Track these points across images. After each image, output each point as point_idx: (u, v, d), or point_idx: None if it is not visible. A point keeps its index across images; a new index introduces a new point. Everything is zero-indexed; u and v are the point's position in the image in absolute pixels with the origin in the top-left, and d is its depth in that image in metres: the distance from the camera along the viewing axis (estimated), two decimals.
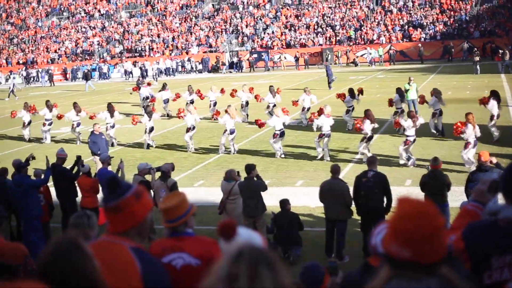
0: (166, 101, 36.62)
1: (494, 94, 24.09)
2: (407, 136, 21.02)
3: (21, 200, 14.59)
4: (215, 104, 34.21)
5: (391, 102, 27.19)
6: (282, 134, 23.41)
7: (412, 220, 2.80)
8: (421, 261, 2.79)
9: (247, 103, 32.99)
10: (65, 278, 3.24)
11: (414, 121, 20.84)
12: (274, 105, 30.68)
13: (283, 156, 23.49)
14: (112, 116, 28.23)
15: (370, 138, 21.73)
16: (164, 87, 37.17)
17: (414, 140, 20.98)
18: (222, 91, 34.33)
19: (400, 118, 22.99)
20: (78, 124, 29.74)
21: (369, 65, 66.38)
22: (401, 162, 20.82)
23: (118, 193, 4.35)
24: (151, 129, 26.79)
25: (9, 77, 70.69)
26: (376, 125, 21.90)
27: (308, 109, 30.20)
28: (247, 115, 32.30)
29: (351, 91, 28.45)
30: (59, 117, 30.44)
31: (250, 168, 14.12)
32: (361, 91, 28.95)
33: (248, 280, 2.52)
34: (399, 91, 27.53)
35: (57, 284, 3.21)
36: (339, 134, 25.23)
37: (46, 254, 3.33)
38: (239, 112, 28.29)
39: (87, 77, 63.99)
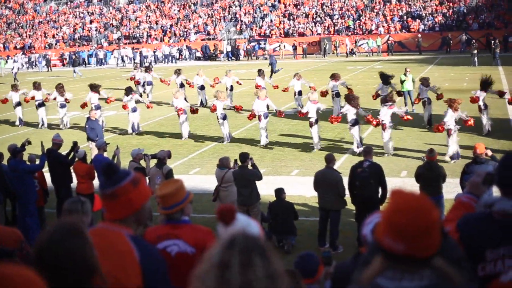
0: (150, 83, 38.09)
1: (481, 85, 23.91)
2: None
3: (16, 185, 14.60)
4: (201, 88, 34.29)
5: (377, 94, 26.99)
6: (265, 116, 23.40)
7: (406, 214, 2.78)
8: (415, 255, 2.77)
9: (231, 87, 33.43)
10: (63, 263, 3.22)
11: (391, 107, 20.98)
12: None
13: (264, 144, 23.50)
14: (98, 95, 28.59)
15: (356, 122, 21.58)
16: (148, 69, 38.94)
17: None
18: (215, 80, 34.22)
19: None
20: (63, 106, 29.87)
21: (367, 55, 66.30)
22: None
23: (115, 180, 4.33)
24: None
25: (13, 61, 70.37)
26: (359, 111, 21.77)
27: (300, 93, 30.38)
28: (231, 100, 32.39)
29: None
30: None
31: (244, 156, 14.11)
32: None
33: (240, 267, 2.51)
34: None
35: (54, 268, 3.19)
36: (335, 123, 25.14)
37: (44, 238, 3.31)
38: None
39: (74, 63, 64.46)
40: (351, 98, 21.65)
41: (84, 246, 3.30)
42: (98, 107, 27.42)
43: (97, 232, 4.24)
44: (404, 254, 2.77)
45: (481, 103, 23.36)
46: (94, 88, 28.65)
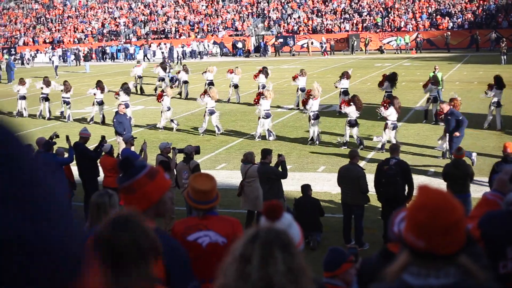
0: (140, 77, 39.70)
1: (496, 81, 24.06)
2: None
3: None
4: (210, 83, 34.28)
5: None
6: (268, 116, 24.00)
7: (428, 211, 2.77)
8: (436, 252, 2.77)
9: (236, 85, 33.93)
10: (125, 251, 3.25)
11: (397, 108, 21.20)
12: (264, 87, 30.82)
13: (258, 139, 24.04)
14: (102, 92, 29.30)
15: (354, 124, 22.04)
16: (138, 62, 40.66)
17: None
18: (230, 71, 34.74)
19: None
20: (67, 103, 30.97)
21: (395, 53, 65.94)
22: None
23: (131, 174, 4.37)
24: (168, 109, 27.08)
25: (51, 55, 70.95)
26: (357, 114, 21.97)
27: (303, 89, 30.30)
28: (239, 96, 33.63)
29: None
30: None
31: (265, 152, 14.10)
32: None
33: (260, 261, 2.53)
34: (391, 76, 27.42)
35: (116, 257, 3.23)
36: (362, 121, 25.05)
37: (106, 227, 3.34)
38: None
39: (86, 57, 65.59)
40: (356, 100, 21.76)
41: (144, 233, 3.33)
42: (100, 103, 29.12)
43: None
44: (425, 251, 2.77)
45: (495, 100, 23.53)
46: (100, 85, 29.44)
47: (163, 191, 4.48)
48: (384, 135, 21.25)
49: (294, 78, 30.90)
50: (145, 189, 4.35)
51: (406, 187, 13.20)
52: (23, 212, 1.10)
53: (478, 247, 4.44)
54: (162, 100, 26.67)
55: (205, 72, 35.29)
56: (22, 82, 32.79)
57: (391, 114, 21.13)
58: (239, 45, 73.24)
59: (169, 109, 26.95)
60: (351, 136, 22.01)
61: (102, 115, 29.52)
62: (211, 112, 25.28)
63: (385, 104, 21.50)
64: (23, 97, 32.85)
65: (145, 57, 70.28)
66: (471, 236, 4.42)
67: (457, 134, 18.49)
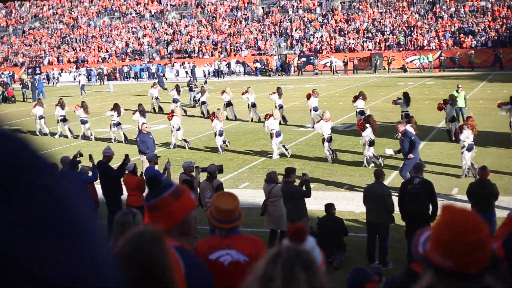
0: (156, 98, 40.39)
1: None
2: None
3: None
4: (228, 105, 34.84)
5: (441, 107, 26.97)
6: (278, 134, 24.39)
7: (454, 230, 2.76)
8: (463, 271, 2.75)
9: (253, 104, 33.95)
10: (146, 268, 3.26)
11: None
12: (281, 107, 31.80)
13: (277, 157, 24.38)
14: (119, 114, 29.85)
15: (372, 142, 22.21)
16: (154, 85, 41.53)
17: None
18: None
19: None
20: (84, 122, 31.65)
21: (418, 71, 65.73)
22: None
23: (156, 192, 4.39)
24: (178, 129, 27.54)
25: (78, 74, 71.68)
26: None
27: (315, 109, 30.49)
28: (258, 116, 33.46)
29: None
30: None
31: (289, 171, 14.10)
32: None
33: (283, 281, 2.53)
34: (405, 95, 27.29)
35: (137, 274, 3.23)
36: (386, 140, 24.98)
37: (128, 244, 3.35)
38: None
39: (109, 76, 66.86)
40: (371, 121, 21.99)
41: (164, 253, 3.34)
42: (117, 124, 29.85)
43: None
44: (452, 270, 2.76)
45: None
46: (117, 107, 30.05)
47: (188, 211, 4.48)
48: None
49: (308, 97, 31.07)
50: (170, 208, 4.36)
51: (430, 206, 13.13)
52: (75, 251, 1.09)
53: (503, 266, 4.41)
54: (172, 120, 27.20)
55: (223, 93, 35.34)
56: (40, 103, 34.18)
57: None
58: (257, 64, 73.35)
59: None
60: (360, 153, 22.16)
61: (123, 134, 29.96)
62: (220, 133, 25.94)
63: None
64: (41, 117, 33.69)
65: (164, 77, 70.86)
66: (496, 256, 4.39)
67: (411, 156, 18.41)
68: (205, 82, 50.09)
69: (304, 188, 13.97)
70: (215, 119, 25.89)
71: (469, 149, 19.88)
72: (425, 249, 2.99)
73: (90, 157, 16.48)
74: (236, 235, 5.70)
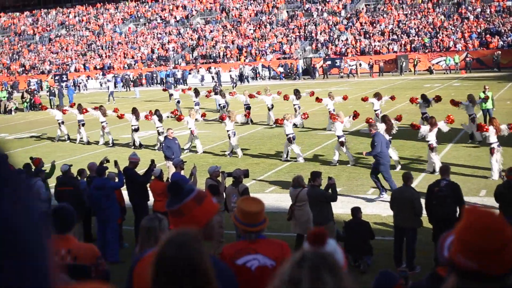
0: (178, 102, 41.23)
1: None
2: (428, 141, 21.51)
3: (102, 203, 14.99)
4: (248, 107, 35.05)
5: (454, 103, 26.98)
6: (294, 138, 24.85)
7: (478, 232, 2.74)
8: (488, 273, 2.73)
9: (272, 106, 34.27)
10: (191, 268, 3.26)
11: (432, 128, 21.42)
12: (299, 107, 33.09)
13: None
14: (137, 119, 30.20)
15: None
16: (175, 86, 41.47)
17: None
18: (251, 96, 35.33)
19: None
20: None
21: (444, 73, 65.32)
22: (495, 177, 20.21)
23: (179, 198, 4.41)
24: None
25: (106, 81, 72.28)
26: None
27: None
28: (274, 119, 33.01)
29: (423, 96, 28.27)
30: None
31: (315, 175, 14.09)
32: (438, 99, 28.45)
33: (310, 284, 2.53)
34: (470, 97, 27.08)
35: (182, 274, 3.23)
36: (413, 142, 24.90)
37: (170, 244, 3.34)
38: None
39: (135, 83, 67.71)
40: (387, 120, 22.09)
41: (203, 255, 3.34)
42: (137, 130, 30.33)
43: None
44: (476, 272, 2.73)
45: None
46: (135, 112, 30.41)
47: (211, 215, 4.50)
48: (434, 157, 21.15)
49: (319, 100, 32.01)
50: (193, 213, 4.38)
51: (458, 209, 13.03)
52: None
53: None
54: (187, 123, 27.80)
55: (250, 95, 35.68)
56: (61, 110, 34.95)
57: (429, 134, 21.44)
58: (280, 69, 73.37)
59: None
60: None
61: (138, 141, 30.58)
62: (234, 134, 26.48)
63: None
64: (62, 122, 34.38)
65: (185, 83, 71.34)
66: None
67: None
68: (233, 87, 50.45)
69: (330, 192, 13.95)
70: (227, 119, 26.53)
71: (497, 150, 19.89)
72: (449, 252, 2.97)
73: (116, 163, 16.58)
74: (262, 240, 5.71)
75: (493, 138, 20.10)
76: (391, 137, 21.96)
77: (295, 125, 26.42)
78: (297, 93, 33.61)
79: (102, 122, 31.85)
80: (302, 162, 24.12)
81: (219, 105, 38.80)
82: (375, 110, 29.57)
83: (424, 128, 21.73)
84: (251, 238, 5.67)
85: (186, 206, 4.38)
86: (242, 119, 28.59)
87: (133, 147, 29.53)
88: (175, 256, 3.26)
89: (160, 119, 28.84)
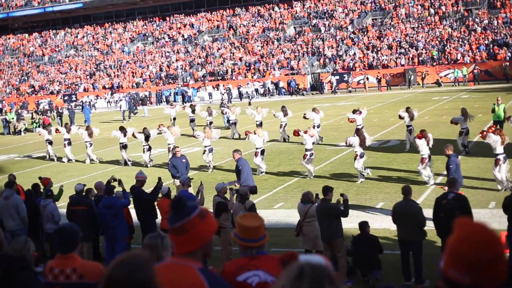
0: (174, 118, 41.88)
1: None
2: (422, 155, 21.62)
3: (111, 221, 15.02)
4: (260, 124, 35.39)
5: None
6: (262, 152, 25.53)
7: (471, 245, 2.73)
8: (481, 286, 2.71)
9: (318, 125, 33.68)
10: None
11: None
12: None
13: (263, 174, 25.28)
14: (125, 136, 30.65)
15: (362, 155, 22.89)
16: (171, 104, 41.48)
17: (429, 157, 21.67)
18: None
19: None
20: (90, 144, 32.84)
21: (453, 85, 65.25)
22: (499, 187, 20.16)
23: (184, 214, 4.39)
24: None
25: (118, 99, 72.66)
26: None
27: (318, 126, 31.93)
28: (288, 136, 33.64)
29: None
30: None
31: (327, 189, 14.03)
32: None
33: None
34: (463, 111, 26.95)
35: None
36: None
37: (112, 269, 3.36)
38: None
39: (143, 101, 68.00)
40: (360, 134, 22.74)
41: (150, 279, 3.34)
42: (125, 147, 30.87)
43: (167, 266, 4.30)
44: (469, 285, 2.72)
45: None
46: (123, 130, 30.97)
47: (213, 231, 4.51)
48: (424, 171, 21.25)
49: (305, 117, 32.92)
50: (198, 229, 4.37)
51: None
52: None
53: None
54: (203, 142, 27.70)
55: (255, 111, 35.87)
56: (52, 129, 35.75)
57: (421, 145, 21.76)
58: (280, 84, 73.63)
59: (211, 149, 27.71)
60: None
61: (127, 159, 31.13)
62: (210, 150, 27.15)
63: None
64: (50, 142, 35.16)
65: (183, 101, 71.69)
66: None
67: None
68: (249, 103, 50.64)
69: (342, 208, 13.93)
70: (204, 135, 27.32)
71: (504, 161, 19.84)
72: (442, 265, 2.96)
73: (120, 182, 16.64)
74: (262, 256, 5.68)
75: (499, 149, 20.04)
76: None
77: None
78: (283, 109, 33.82)
79: (86, 142, 32.59)
80: (309, 179, 24.08)
81: (228, 121, 38.85)
82: (358, 125, 29.78)
83: (420, 142, 21.62)
84: (252, 254, 5.65)
85: (191, 222, 4.36)
86: (217, 135, 28.84)
87: (150, 164, 29.58)
88: (124, 279, 3.26)
89: (147, 138, 29.40)
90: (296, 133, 25.80)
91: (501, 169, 19.90)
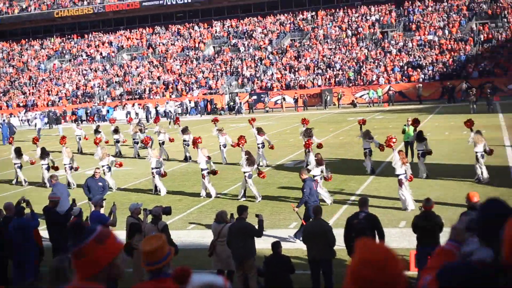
0: (79, 139, 41.34)
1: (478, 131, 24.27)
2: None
3: (22, 243, 14.66)
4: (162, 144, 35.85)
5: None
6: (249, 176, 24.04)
7: (371, 266, 2.76)
8: None
9: (224, 146, 33.30)
10: None
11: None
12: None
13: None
14: (17, 157, 30.87)
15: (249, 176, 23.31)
16: (77, 124, 40.27)
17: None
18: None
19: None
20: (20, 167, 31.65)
21: (368, 106, 66.40)
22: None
23: (81, 238, 4.33)
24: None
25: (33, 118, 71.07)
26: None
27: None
28: (225, 158, 32.93)
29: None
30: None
31: (242, 209, 14.06)
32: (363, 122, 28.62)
33: None
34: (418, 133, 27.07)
35: None
36: (335, 175, 25.12)
37: None
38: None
39: (57, 120, 67.28)
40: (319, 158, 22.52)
41: None
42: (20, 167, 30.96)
43: None
44: None
45: (481, 150, 23.54)
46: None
47: (113, 255, 4.43)
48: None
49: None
50: (95, 254, 4.30)
51: (378, 240, 13.18)
52: None
53: None
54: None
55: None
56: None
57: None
58: (192, 104, 73.78)
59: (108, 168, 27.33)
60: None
61: (18, 178, 31.07)
62: (158, 173, 26.09)
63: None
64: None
65: (94, 121, 71.13)
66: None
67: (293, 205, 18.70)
68: (170, 123, 50.35)
69: (257, 227, 13.98)
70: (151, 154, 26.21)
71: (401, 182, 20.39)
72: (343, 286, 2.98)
73: (28, 203, 16.30)
74: (166, 278, 5.63)
75: (399, 170, 20.61)
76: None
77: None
78: (260, 131, 32.26)
79: (15, 164, 31.60)
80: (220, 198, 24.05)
81: (137, 141, 38.23)
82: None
83: (395, 158, 21.46)
84: (158, 277, 5.60)
85: (87, 247, 4.29)
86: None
87: (74, 187, 28.89)
88: None
89: (44, 156, 29.17)
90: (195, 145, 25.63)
91: (405, 188, 20.44)
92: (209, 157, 24.74)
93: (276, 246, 13.92)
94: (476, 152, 23.59)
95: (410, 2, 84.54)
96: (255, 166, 23.88)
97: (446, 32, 76.84)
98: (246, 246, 13.66)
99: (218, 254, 14.26)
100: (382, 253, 2.80)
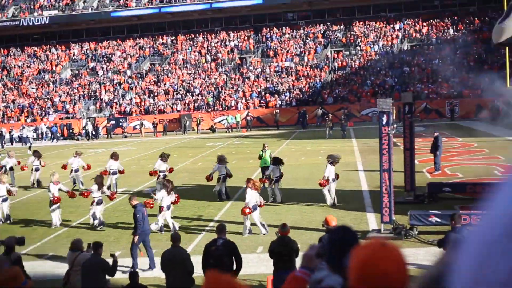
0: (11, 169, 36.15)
1: (329, 157, 24.98)
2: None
3: None
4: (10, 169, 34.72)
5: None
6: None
7: None
8: None
9: (77, 170, 32.44)
10: None
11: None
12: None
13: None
14: None
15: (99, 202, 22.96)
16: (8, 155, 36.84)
17: None
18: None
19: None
20: None
21: (226, 131, 66.97)
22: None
23: None
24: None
25: None
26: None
27: (114, 173, 30.64)
28: (81, 182, 32.03)
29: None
30: None
31: (97, 245, 13.86)
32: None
33: None
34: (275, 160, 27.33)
35: None
36: (193, 201, 25.15)
37: None
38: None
39: None
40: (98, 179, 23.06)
41: None
42: None
43: None
44: None
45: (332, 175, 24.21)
46: None
47: None
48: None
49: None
50: None
51: (235, 266, 13.32)
52: None
53: None
54: None
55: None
56: None
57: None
58: (54, 129, 71.05)
59: None
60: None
61: None
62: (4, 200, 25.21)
63: None
64: None
65: None
66: None
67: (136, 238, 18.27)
68: (29, 147, 48.82)
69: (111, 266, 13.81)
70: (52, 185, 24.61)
71: (254, 209, 20.56)
72: None
73: None
74: None
75: (249, 197, 20.83)
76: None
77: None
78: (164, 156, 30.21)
79: None
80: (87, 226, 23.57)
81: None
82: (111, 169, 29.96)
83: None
84: None
85: None
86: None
87: None
88: None
89: None
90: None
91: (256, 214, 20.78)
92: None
93: (133, 276, 13.80)
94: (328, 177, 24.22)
95: (268, 28, 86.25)
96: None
97: (304, 58, 78.85)
98: (99, 281, 13.46)
99: (72, 283, 13.96)
100: (228, 283, 2.85)
